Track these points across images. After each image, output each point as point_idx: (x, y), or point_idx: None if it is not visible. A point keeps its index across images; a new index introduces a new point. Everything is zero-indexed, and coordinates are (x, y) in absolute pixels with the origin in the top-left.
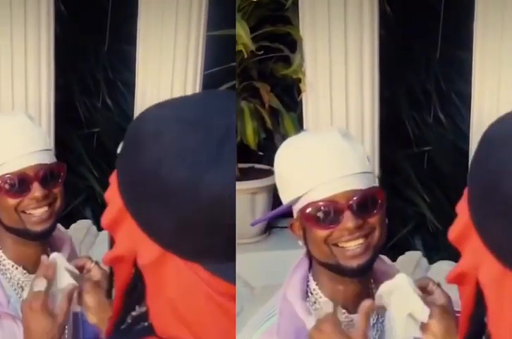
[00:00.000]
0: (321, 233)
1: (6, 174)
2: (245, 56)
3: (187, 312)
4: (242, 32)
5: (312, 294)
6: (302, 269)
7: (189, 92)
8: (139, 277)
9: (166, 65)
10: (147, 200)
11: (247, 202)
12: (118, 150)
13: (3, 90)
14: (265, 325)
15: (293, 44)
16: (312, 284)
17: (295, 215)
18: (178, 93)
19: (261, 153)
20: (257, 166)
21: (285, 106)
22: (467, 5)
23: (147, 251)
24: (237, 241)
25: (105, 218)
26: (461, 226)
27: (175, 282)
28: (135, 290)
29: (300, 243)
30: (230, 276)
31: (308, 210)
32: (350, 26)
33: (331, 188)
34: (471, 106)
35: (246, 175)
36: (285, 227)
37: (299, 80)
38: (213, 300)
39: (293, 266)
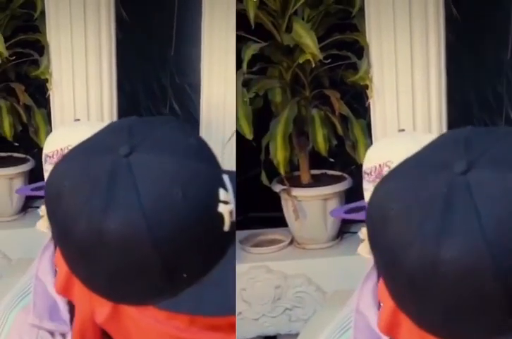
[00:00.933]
0: None
1: None
2: (313, 65)
3: None
4: (309, 42)
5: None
6: (373, 279)
7: None
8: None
9: (232, 66)
10: (73, 257)
11: (319, 208)
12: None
13: (65, 97)
14: None
15: (361, 51)
16: None
17: None
18: None
19: (332, 160)
20: (330, 172)
21: (356, 112)
22: None
23: (100, 307)
24: (308, 246)
25: (56, 284)
26: (388, 313)
27: (135, 332)
28: None
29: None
30: (193, 308)
31: None
32: (415, 31)
33: None
34: None
35: (318, 181)
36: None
37: (366, 87)
38: None
39: (364, 276)
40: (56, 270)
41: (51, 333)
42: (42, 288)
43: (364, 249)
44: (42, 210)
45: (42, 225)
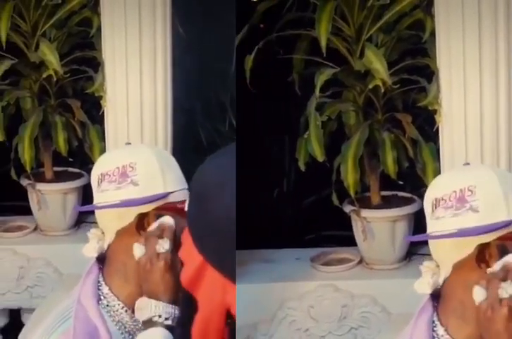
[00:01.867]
0: None
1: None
2: (382, 90)
3: None
4: (380, 67)
5: None
6: (428, 312)
7: None
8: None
9: None
10: (225, 248)
11: (388, 229)
12: (186, 208)
13: (119, 114)
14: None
15: (432, 75)
16: (440, 330)
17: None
18: None
19: (401, 182)
20: (400, 194)
21: (427, 136)
22: None
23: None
24: (376, 266)
25: (185, 278)
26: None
27: None
28: None
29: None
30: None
31: None
32: (485, 56)
33: None
34: None
35: (388, 202)
36: (426, 255)
37: (435, 111)
38: None
39: (418, 309)
40: (98, 295)
41: None
42: (83, 313)
43: (421, 285)
44: (92, 232)
45: (89, 250)
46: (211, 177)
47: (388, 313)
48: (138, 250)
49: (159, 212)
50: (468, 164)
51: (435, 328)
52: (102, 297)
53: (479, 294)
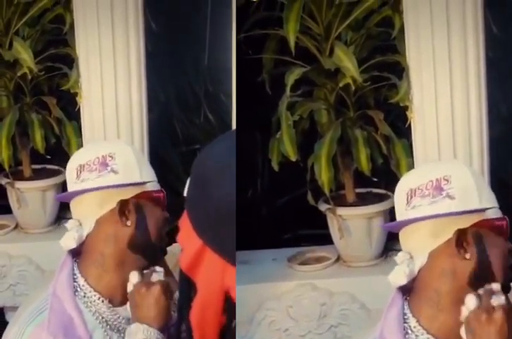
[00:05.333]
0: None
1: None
2: (353, 88)
3: None
4: (350, 65)
5: (411, 331)
6: (398, 305)
7: None
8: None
9: None
10: (225, 231)
11: (364, 226)
12: (185, 193)
13: (94, 110)
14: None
15: (403, 72)
16: (412, 322)
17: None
18: None
19: (375, 179)
20: (375, 190)
21: (399, 132)
22: None
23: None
24: (353, 264)
25: (184, 262)
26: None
27: None
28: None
29: None
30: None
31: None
32: (454, 51)
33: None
34: None
35: (363, 200)
36: None
37: (407, 107)
38: None
39: (387, 304)
40: (74, 286)
41: None
42: (59, 305)
43: (396, 276)
44: (70, 223)
45: (68, 240)
46: (212, 162)
47: (368, 309)
48: (134, 277)
49: (137, 200)
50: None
51: (407, 321)
52: (79, 289)
53: (471, 302)
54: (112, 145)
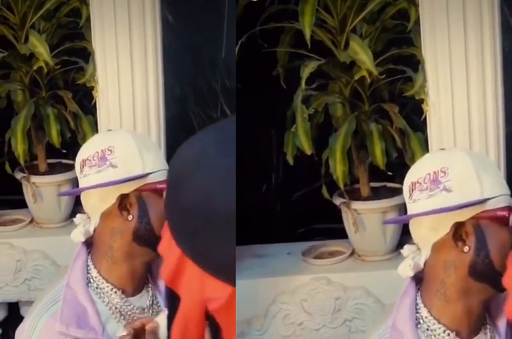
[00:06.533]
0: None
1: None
2: (368, 81)
3: None
4: (365, 58)
5: (423, 321)
6: (410, 296)
7: None
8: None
9: None
10: (199, 237)
11: (378, 220)
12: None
13: (111, 104)
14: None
15: (418, 65)
16: (424, 312)
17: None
18: None
19: (390, 173)
20: (389, 185)
21: (414, 126)
22: None
23: (218, 290)
24: (368, 258)
25: (166, 274)
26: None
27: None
28: None
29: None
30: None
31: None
32: (470, 43)
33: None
34: None
35: (378, 194)
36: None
37: (422, 101)
38: None
39: (400, 294)
40: (88, 278)
41: None
42: (72, 296)
43: (404, 268)
44: (78, 217)
45: (76, 234)
46: (184, 157)
47: (382, 304)
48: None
49: (139, 193)
50: (443, 149)
51: (419, 311)
52: (92, 280)
53: None
54: (112, 137)
